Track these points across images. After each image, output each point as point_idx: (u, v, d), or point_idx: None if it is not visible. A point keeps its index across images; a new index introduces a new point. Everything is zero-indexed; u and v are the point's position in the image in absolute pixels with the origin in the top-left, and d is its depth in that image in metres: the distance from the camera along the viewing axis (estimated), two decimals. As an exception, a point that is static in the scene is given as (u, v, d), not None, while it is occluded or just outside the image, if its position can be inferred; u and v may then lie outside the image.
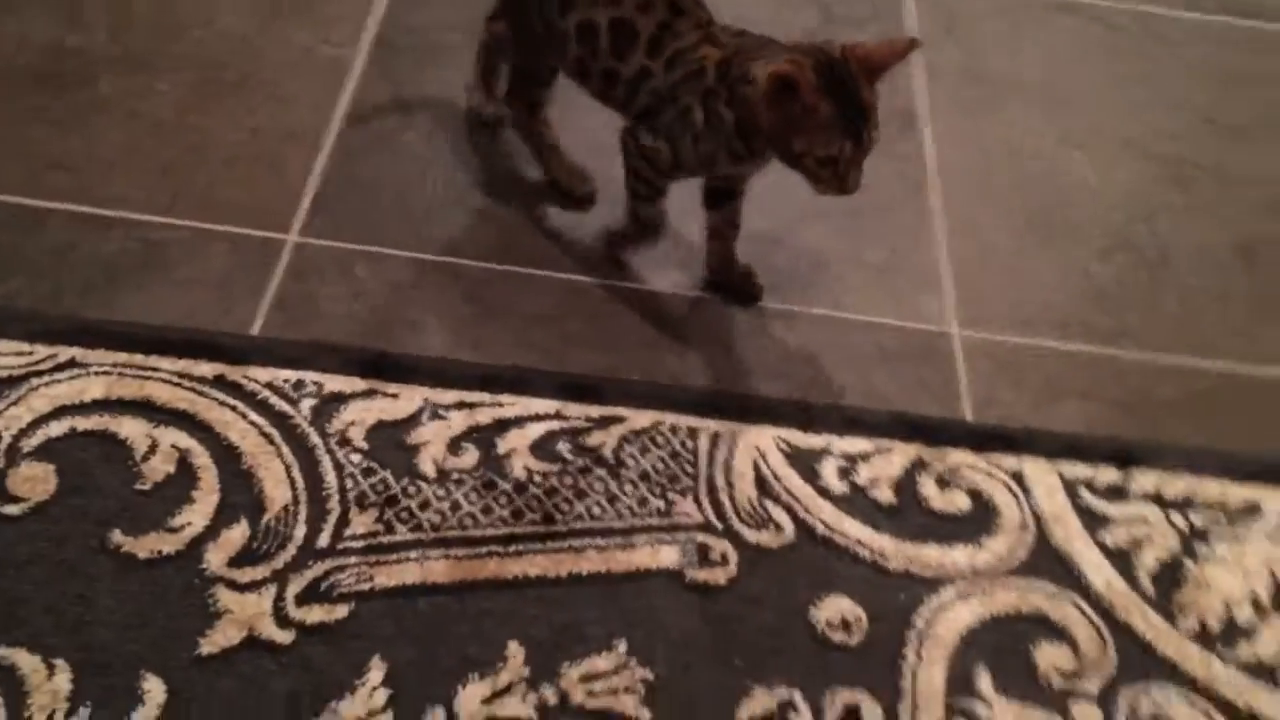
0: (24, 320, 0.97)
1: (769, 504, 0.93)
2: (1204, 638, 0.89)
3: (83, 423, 0.91)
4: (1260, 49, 1.43)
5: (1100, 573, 0.92)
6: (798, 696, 0.82)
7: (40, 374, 0.93)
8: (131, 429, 0.91)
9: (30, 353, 0.94)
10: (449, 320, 1.03)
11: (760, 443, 0.96)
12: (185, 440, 0.91)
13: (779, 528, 0.92)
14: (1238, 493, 0.98)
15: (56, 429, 0.90)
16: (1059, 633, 0.88)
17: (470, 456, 0.93)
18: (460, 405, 0.96)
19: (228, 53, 1.23)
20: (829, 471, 0.96)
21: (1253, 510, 0.98)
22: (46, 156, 1.11)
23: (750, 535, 0.91)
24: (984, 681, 0.85)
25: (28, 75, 1.18)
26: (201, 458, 0.90)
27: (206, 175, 1.12)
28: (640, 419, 0.97)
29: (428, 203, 1.13)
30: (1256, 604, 0.92)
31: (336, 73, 1.23)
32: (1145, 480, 0.98)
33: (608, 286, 1.08)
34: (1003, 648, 0.87)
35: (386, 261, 1.07)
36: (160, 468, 0.89)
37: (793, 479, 0.95)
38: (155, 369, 0.95)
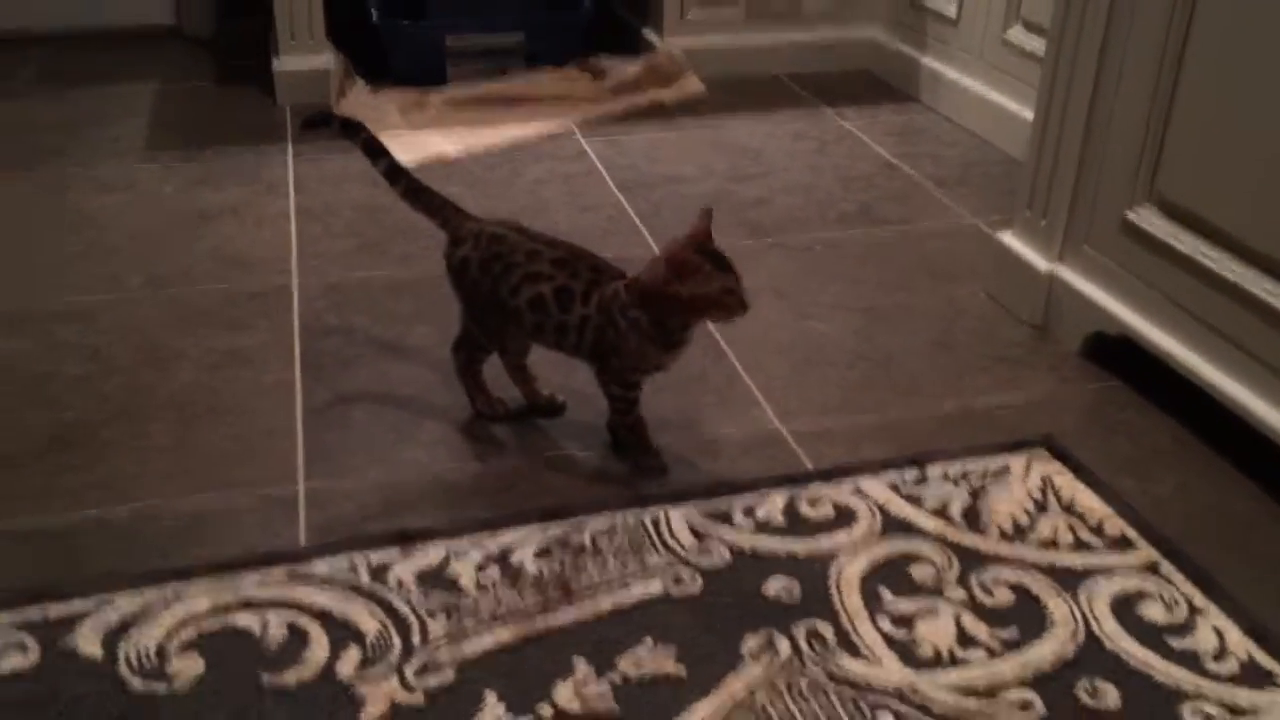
0: (125, 574, 1.25)
1: (708, 543, 1.32)
2: (1005, 537, 1.35)
3: (205, 625, 1.19)
4: (881, 242, 2.12)
5: (930, 522, 1.37)
6: (775, 633, 1.19)
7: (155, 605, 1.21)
8: (245, 619, 1.19)
9: (140, 593, 1.22)
10: (433, 505, 1.40)
11: (685, 513, 1.37)
12: (288, 615, 1.20)
13: (720, 555, 1.31)
14: (993, 462, 1.48)
15: (186, 635, 1.17)
16: (920, 558, 1.31)
17: (494, 571, 1.27)
18: (473, 545, 1.31)
19: (192, 395, 1.61)
20: (739, 518, 1.37)
21: (1004, 469, 1.47)
22: (84, 484, 1.42)
23: (704, 562, 1.29)
24: (886, 594, 1.25)
25: (43, 443, 1.50)
26: (304, 619, 1.19)
27: (216, 468, 1.46)
28: (600, 521, 1.36)
29: (397, 436, 1.51)
30: (1028, 513, 1.39)
31: (285, 389, 1.62)
32: (934, 470, 1.46)
33: (545, 459, 1.49)
34: (890, 576, 1.28)
35: (378, 484, 1.43)
36: (277, 635, 1.17)
37: (717, 527, 1.35)
38: (241, 581, 1.24)
